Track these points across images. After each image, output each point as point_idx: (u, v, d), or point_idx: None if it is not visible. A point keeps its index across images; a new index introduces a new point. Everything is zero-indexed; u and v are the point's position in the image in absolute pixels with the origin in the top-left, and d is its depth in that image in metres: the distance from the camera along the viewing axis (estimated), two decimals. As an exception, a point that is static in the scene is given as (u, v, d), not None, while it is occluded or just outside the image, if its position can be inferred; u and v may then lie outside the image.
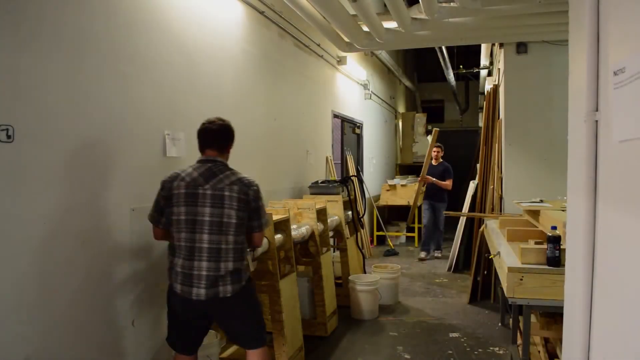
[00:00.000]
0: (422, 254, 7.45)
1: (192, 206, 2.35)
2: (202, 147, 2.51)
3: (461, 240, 6.54)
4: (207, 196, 2.37)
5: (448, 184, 7.17)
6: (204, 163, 2.46)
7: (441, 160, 7.39)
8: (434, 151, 7.36)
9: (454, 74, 9.82)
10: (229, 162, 2.57)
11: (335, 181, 5.28)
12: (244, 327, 2.55)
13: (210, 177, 2.40)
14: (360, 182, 7.36)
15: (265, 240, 3.18)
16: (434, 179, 7.15)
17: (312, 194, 5.12)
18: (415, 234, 8.78)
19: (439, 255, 7.56)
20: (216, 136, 2.50)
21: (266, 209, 3.44)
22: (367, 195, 7.83)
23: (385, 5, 4.35)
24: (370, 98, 8.36)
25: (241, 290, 2.44)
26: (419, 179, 7.31)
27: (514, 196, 4.94)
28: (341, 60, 6.68)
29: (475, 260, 5.41)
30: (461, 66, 10.12)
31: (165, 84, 3.01)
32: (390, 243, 8.25)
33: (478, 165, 6.68)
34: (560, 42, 5.07)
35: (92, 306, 2.40)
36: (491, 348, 3.94)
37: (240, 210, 2.41)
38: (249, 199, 2.43)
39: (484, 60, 8.58)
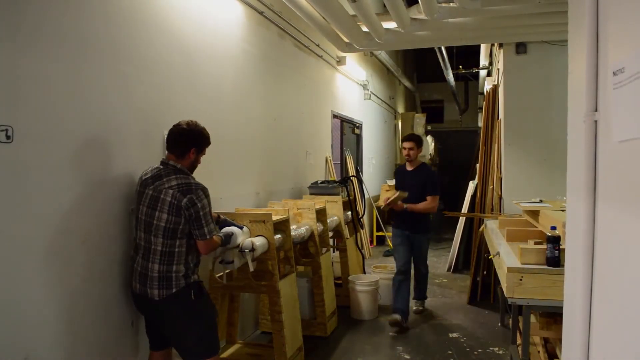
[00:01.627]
0: (396, 317, 4.32)
1: (139, 204, 2.47)
2: (167, 148, 2.58)
3: (461, 240, 6.54)
4: (148, 196, 2.44)
5: (431, 204, 4.37)
6: (160, 165, 2.53)
7: (420, 162, 4.62)
8: (404, 148, 4.52)
9: (453, 74, 9.83)
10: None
11: (334, 181, 5.28)
12: (179, 338, 2.48)
13: (156, 179, 2.46)
14: (360, 182, 7.36)
15: (264, 241, 3.18)
16: (407, 205, 4.38)
17: (311, 194, 5.12)
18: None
19: (421, 308, 4.90)
20: (175, 140, 2.51)
21: (265, 209, 3.44)
22: (366, 196, 7.83)
23: (384, 6, 4.35)
24: (370, 98, 8.36)
25: (172, 297, 2.39)
26: (385, 202, 4.48)
27: (514, 196, 4.95)
28: (341, 61, 6.68)
29: (475, 261, 5.42)
30: (461, 66, 10.12)
31: (165, 84, 3.01)
32: (389, 243, 8.24)
33: (477, 166, 6.68)
34: (559, 42, 5.07)
35: (92, 306, 2.40)
36: (491, 348, 3.94)
37: (171, 214, 2.38)
38: (181, 205, 2.38)
39: (483, 61, 8.59)
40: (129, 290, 2.56)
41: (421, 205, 4.40)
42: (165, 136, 2.60)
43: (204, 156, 2.67)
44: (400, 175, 4.71)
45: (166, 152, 2.56)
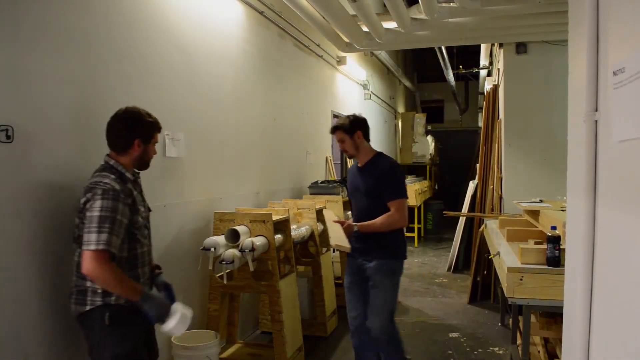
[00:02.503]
0: None
1: None
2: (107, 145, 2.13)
3: (461, 240, 6.54)
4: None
5: (394, 216, 2.80)
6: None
7: (372, 154, 2.98)
8: (338, 140, 3.02)
9: (453, 74, 9.83)
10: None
11: (335, 181, 5.27)
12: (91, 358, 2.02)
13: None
14: (360, 182, 7.34)
15: (264, 241, 3.18)
16: (357, 226, 2.85)
17: (311, 194, 5.12)
18: (415, 234, 8.78)
19: None
20: (112, 134, 2.08)
21: (266, 209, 3.44)
22: (366, 196, 7.82)
23: (384, 6, 4.35)
24: (370, 98, 8.36)
25: (84, 316, 1.96)
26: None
27: (514, 196, 4.94)
28: (341, 61, 6.68)
29: (475, 260, 5.42)
30: (461, 66, 10.12)
31: (165, 84, 3.01)
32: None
33: (478, 166, 6.68)
34: (560, 42, 5.07)
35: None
36: (491, 348, 3.94)
37: (80, 218, 1.96)
38: (81, 207, 1.95)
39: (483, 61, 8.58)
40: None
41: (379, 222, 2.79)
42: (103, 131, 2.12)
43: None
44: (351, 178, 3.10)
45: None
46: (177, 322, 1.98)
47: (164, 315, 1.98)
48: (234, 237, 3.12)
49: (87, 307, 1.95)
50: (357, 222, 2.89)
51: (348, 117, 2.99)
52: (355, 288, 3.02)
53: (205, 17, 3.47)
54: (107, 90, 2.51)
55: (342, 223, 2.86)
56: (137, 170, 2.16)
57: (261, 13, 4.32)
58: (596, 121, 1.52)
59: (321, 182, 5.23)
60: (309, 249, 4.22)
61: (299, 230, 3.85)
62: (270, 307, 3.32)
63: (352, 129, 2.94)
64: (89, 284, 1.94)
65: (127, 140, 2.05)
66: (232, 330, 3.60)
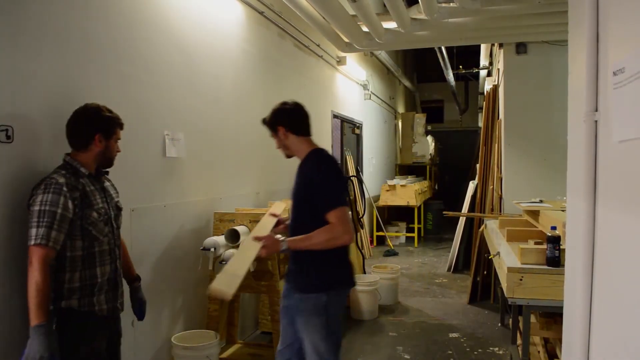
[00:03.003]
0: None
1: None
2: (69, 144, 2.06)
3: (461, 240, 6.54)
4: None
5: (331, 232, 2.11)
6: None
7: (308, 151, 2.42)
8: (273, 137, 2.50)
9: (453, 74, 9.83)
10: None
11: (334, 181, 5.26)
12: None
13: None
14: (360, 182, 7.36)
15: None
16: (287, 241, 2.19)
17: (311, 194, 5.11)
18: (415, 234, 8.79)
19: None
20: (70, 131, 2.00)
21: (266, 209, 3.42)
22: (366, 196, 7.83)
23: (384, 6, 4.35)
24: (370, 98, 8.36)
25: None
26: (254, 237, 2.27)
27: (514, 196, 4.94)
28: (341, 61, 6.68)
29: (475, 261, 5.42)
30: (461, 66, 10.12)
31: (165, 84, 3.01)
32: (390, 243, 8.25)
33: (478, 166, 6.68)
34: (560, 42, 5.07)
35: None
36: (491, 348, 3.94)
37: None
38: (28, 205, 1.88)
39: (483, 61, 8.58)
40: None
41: (315, 236, 2.14)
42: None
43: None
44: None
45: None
46: None
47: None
48: (233, 237, 3.12)
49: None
50: (290, 237, 2.22)
51: (272, 112, 2.37)
52: (286, 315, 2.34)
53: (205, 17, 3.47)
54: (107, 90, 2.51)
55: (264, 238, 2.17)
56: (104, 170, 2.10)
57: (261, 13, 4.33)
58: (596, 121, 1.52)
59: (321, 182, 5.23)
60: (309, 249, 4.21)
61: (299, 231, 3.85)
62: (270, 307, 3.32)
63: (273, 123, 2.36)
64: None
65: (88, 136, 1.99)
66: (232, 330, 3.60)
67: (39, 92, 2.11)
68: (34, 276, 1.77)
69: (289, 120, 2.33)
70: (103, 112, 2.04)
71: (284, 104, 2.38)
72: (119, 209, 2.18)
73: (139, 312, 2.32)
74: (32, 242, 1.79)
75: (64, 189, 1.87)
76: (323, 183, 2.18)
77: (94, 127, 2.00)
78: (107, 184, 2.14)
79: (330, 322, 2.16)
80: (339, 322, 2.23)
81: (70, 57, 2.28)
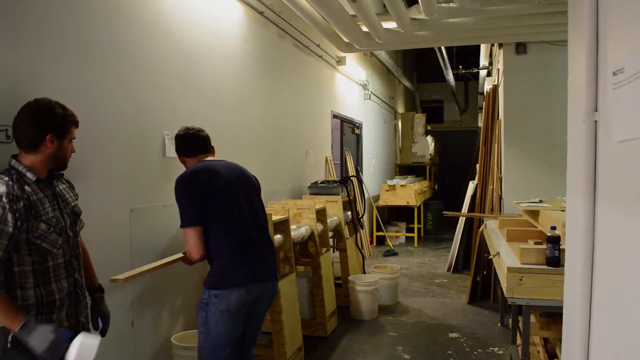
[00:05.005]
0: None
1: None
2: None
3: (461, 241, 6.55)
4: None
5: (186, 248, 2.43)
6: None
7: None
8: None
9: (453, 74, 9.83)
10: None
11: (334, 181, 5.28)
12: None
13: None
14: (360, 182, 7.36)
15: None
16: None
17: (311, 194, 5.12)
18: (415, 234, 8.79)
19: None
20: (19, 129, 1.79)
21: (266, 209, 3.43)
22: (366, 196, 7.83)
23: (384, 6, 4.35)
24: (370, 98, 8.36)
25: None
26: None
27: (514, 196, 4.95)
28: (340, 61, 6.68)
29: (475, 261, 5.42)
30: (460, 66, 10.13)
31: (165, 84, 3.01)
32: (389, 243, 8.26)
33: (477, 166, 6.68)
34: (559, 42, 5.08)
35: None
36: (491, 348, 3.94)
37: None
38: None
39: (483, 61, 8.59)
40: None
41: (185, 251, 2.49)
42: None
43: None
44: None
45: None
46: (76, 355, 1.65)
47: (55, 353, 1.64)
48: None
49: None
50: None
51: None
52: None
53: (205, 17, 3.47)
54: (107, 90, 2.51)
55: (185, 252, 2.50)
56: (57, 173, 1.89)
57: (261, 13, 4.33)
58: (596, 121, 1.52)
59: (321, 182, 5.24)
60: (308, 249, 4.22)
61: (298, 231, 3.85)
62: (270, 307, 3.31)
63: (176, 150, 2.62)
64: None
65: (38, 136, 1.75)
66: (232, 330, 3.60)
67: (39, 92, 2.10)
68: None
69: (179, 146, 2.59)
70: (55, 108, 1.79)
71: (179, 131, 2.60)
72: (76, 215, 1.94)
73: (104, 328, 2.06)
74: None
75: (4, 199, 1.63)
76: (177, 201, 2.39)
77: (45, 127, 1.76)
78: (61, 187, 1.90)
79: (219, 322, 2.32)
80: (225, 323, 2.32)
81: (70, 56, 2.27)
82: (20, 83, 2.02)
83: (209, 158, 2.55)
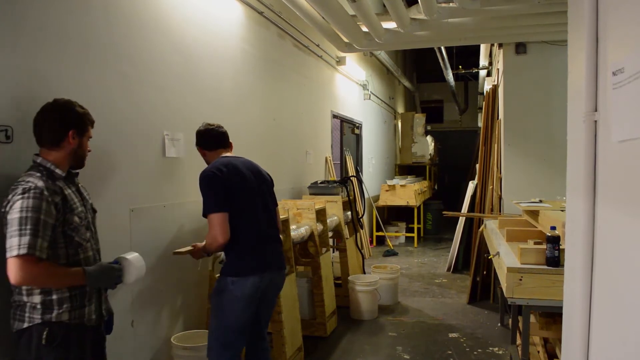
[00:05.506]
0: None
1: None
2: (36, 142, 1.96)
3: (460, 241, 6.55)
4: None
5: (209, 235, 2.53)
6: None
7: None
8: None
9: (453, 74, 9.83)
10: None
11: (334, 181, 5.28)
12: None
13: None
14: (360, 182, 7.36)
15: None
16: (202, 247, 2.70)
17: (311, 194, 5.12)
18: (415, 234, 8.79)
19: None
20: (41, 127, 1.87)
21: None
22: (366, 196, 7.83)
23: (384, 6, 4.36)
24: (370, 98, 8.37)
25: (22, 332, 1.78)
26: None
27: (513, 196, 4.95)
28: (340, 61, 6.68)
29: (475, 261, 5.42)
30: (460, 66, 10.12)
31: (165, 84, 3.01)
32: (389, 243, 8.25)
33: (477, 166, 6.68)
34: (559, 42, 5.08)
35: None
36: (490, 348, 3.94)
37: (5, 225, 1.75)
38: (4, 211, 1.74)
39: (483, 61, 8.59)
40: None
41: (206, 243, 2.62)
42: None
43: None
44: None
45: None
46: (132, 272, 1.95)
47: (115, 278, 1.90)
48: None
49: (25, 325, 1.76)
50: None
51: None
52: None
53: (204, 17, 3.47)
54: (107, 91, 2.51)
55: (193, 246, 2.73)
56: (73, 171, 1.95)
57: (261, 13, 4.33)
58: (595, 121, 1.52)
59: (321, 182, 5.24)
60: (308, 249, 4.22)
61: (298, 231, 3.85)
62: (269, 308, 3.31)
63: (196, 144, 2.78)
64: (26, 299, 1.76)
65: (61, 133, 1.84)
66: (232, 330, 3.60)
67: (39, 93, 2.11)
68: (41, 279, 1.72)
69: (200, 140, 2.75)
70: (76, 107, 1.90)
71: (199, 128, 2.77)
72: (94, 211, 2.05)
73: (107, 324, 2.08)
74: (15, 252, 1.63)
75: (45, 193, 1.72)
76: (201, 191, 2.56)
77: (68, 123, 1.85)
78: (80, 185, 2.00)
79: (230, 309, 2.51)
80: (240, 307, 2.51)
81: (70, 57, 2.27)
82: (20, 83, 2.02)
83: (228, 154, 2.73)
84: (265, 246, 2.62)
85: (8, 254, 1.66)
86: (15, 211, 1.67)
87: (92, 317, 1.91)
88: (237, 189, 2.53)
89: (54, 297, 1.78)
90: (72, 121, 1.87)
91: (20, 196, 1.69)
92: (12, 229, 1.66)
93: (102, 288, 1.97)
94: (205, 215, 2.49)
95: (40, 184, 1.74)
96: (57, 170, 1.85)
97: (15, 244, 1.65)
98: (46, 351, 1.75)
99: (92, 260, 1.94)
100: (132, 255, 1.99)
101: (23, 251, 1.64)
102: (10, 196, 1.72)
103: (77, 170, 1.98)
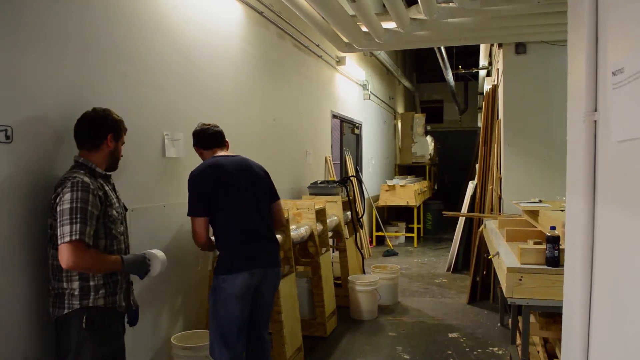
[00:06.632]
0: None
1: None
2: (77, 145, 2.14)
3: (460, 241, 6.55)
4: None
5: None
6: None
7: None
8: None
9: (453, 74, 9.83)
10: None
11: (334, 181, 5.28)
12: None
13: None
14: (360, 182, 7.36)
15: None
16: None
17: (311, 194, 5.12)
18: (415, 234, 8.79)
19: None
20: (82, 132, 2.08)
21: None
22: (366, 196, 7.83)
23: (384, 6, 4.36)
24: (370, 98, 8.37)
25: (63, 319, 1.92)
26: None
27: (513, 196, 4.95)
28: (340, 61, 6.68)
29: (475, 261, 5.42)
30: (460, 66, 10.12)
31: (165, 85, 3.01)
32: (389, 243, 8.25)
33: (477, 166, 6.68)
34: (559, 42, 5.08)
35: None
36: (490, 348, 3.94)
37: (51, 217, 1.94)
38: (54, 203, 1.91)
39: (482, 61, 8.59)
40: None
41: None
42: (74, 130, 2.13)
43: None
44: None
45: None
46: (158, 265, 2.17)
47: (146, 269, 2.13)
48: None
49: (65, 311, 1.92)
50: None
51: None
52: None
53: (204, 17, 3.47)
54: (106, 91, 2.51)
55: None
56: (107, 173, 2.14)
57: (260, 13, 4.33)
58: (595, 121, 1.52)
59: (320, 182, 5.23)
60: (308, 249, 4.22)
61: (298, 231, 3.85)
62: (269, 308, 3.31)
63: (193, 144, 2.86)
64: (66, 286, 1.92)
65: (100, 136, 2.07)
66: (232, 330, 3.60)
67: (39, 93, 2.11)
68: (89, 264, 1.89)
69: (196, 140, 2.83)
70: (112, 114, 2.14)
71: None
72: (125, 209, 2.25)
73: (134, 315, 2.22)
74: (68, 239, 1.81)
75: (91, 186, 1.93)
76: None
77: (106, 128, 2.09)
78: (114, 184, 2.21)
79: (224, 307, 2.57)
80: (232, 304, 2.56)
81: (70, 57, 2.27)
82: (20, 83, 2.02)
83: (223, 152, 2.78)
84: (255, 244, 2.65)
85: (61, 241, 1.83)
86: (66, 202, 1.86)
87: (122, 304, 2.09)
88: (221, 190, 2.59)
89: (91, 283, 1.95)
90: (109, 126, 2.10)
91: (69, 189, 1.88)
92: (64, 218, 1.84)
93: (129, 280, 2.17)
94: (188, 215, 2.62)
95: (86, 179, 1.94)
96: (98, 169, 2.06)
97: (67, 231, 1.83)
98: (86, 335, 1.92)
99: (124, 253, 2.13)
100: (157, 251, 2.21)
101: (75, 237, 1.82)
102: (59, 189, 1.90)
103: (110, 173, 2.18)
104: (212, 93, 3.56)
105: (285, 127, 4.98)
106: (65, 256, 1.82)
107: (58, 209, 1.87)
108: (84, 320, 1.91)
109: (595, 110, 1.52)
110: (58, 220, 1.86)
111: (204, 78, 3.46)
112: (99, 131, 2.08)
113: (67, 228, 1.83)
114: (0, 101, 1.93)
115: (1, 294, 1.93)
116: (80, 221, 1.85)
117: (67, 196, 1.87)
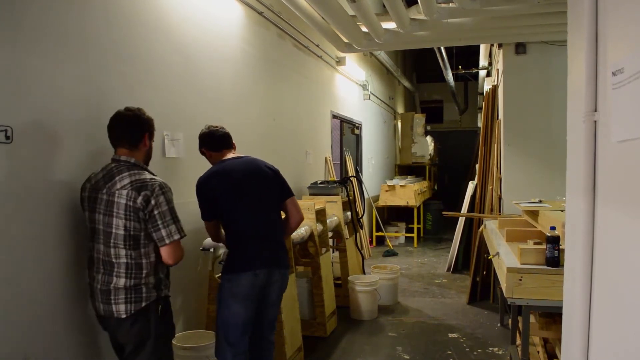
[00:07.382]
0: None
1: (92, 212, 2.11)
2: (112, 144, 2.21)
3: (460, 241, 6.55)
4: (102, 202, 2.07)
5: None
6: (111, 162, 2.18)
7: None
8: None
9: (453, 74, 9.83)
10: None
11: (334, 182, 5.28)
12: (137, 355, 2.13)
13: (109, 180, 2.09)
14: (360, 182, 7.36)
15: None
16: None
17: (311, 194, 5.12)
18: (415, 234, 8.79)
19: None
20: (122, 130, 2.16)
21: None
22: (366, 196, 7.83)
23: (384, 6, 4.35)
24: (369, 99, 8.37)
25: (142, 312, 2.09)
26: None
27: (513, 196, 4.95)
28: (340, 61, 6.68)
29: (475, 261, 5.42)
30: (460, 67, 10.12)
31: (165, 85, 3.01)
32: (389, 243, 8.25)
33: (477, 166, 6.68)
34: (559, 42, 5.08)
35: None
36: (490, 348, 3.94)
37: (129, 219, 2.04)
38: (138, 207, 2.03)
39: (482, 61, 8.59)
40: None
41: None
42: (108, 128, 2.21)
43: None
44: None
45: (115, 147, 2.20)
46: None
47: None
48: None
49: (144, 303, 2.08)
50: None
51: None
52: None
53: (204, 18, 3.47)
54: (106, 91, 2.51)
55: None
56: None
57: (260, 13, 4.33)
58: (595, 121, 1.52)
59: (320, 183, 5.23)
60: (308, 250, 4.22)
61: (298, 231, 3.85)
62: (269, 308, 3.31)
63: (201, 146, 2.87)
64: (144, 280, 2.08)
65: (140, 135, 2.17)
66: (232, 330, 3.60)
67: (38, 93, 2.11)
68: (174, 249, 2.11)
69: (202, 142, 2.85)
70: (145, 114, 2.22)
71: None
72: None
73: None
74: (178, 236, 2.08)
75: (167, 189, 2.12)
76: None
77: (144, 127, 2.19)
78: None
79: (228, 304, 2.61)
80: (236, 303, 2.61)
81: (70, 57, 2.27)
82: (19, 83, 2.02)
83: (231, 154, 2.81)
84: (260, 245, 2.69)
85: (169, 240, 2.06)
86: (164, 204, 2.06)
87: (169, 295, 2.25)
88: (226, 195, 2.66)
89: (161, 275, 2.16)
90: (146, 125, 2.20)
91: (161, 191, 2.07)
92: (167, 218, 2.07)
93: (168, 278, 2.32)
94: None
95: (157, 178, 2.11)
96: (148, 169, 2.19)
97: (174, 230, 2.07)
98: (161, 322, 2.13)
99: None
100: None
101: (180, 235, 2.09)
102: (146, 193, 2.03)
103: None
104: (212, 93, 3.56)
105: (285, 127, 4.98)
106: (174, 253, 2.09)
107: (155, 211, 2.04)
108: (159, 310, 2.12)
109: (595, 111, 1.52)
110: (159, 221, 2.05)
111: (204, 78, 3.46)
112: (139, 130, 2.16)
113: (173, 227, 2.07)
114: (0, 101, 1.93)
115: (5, 293, 1.93)
116: (178, 220, 2.10)
117: (162, 198, 2.06)
